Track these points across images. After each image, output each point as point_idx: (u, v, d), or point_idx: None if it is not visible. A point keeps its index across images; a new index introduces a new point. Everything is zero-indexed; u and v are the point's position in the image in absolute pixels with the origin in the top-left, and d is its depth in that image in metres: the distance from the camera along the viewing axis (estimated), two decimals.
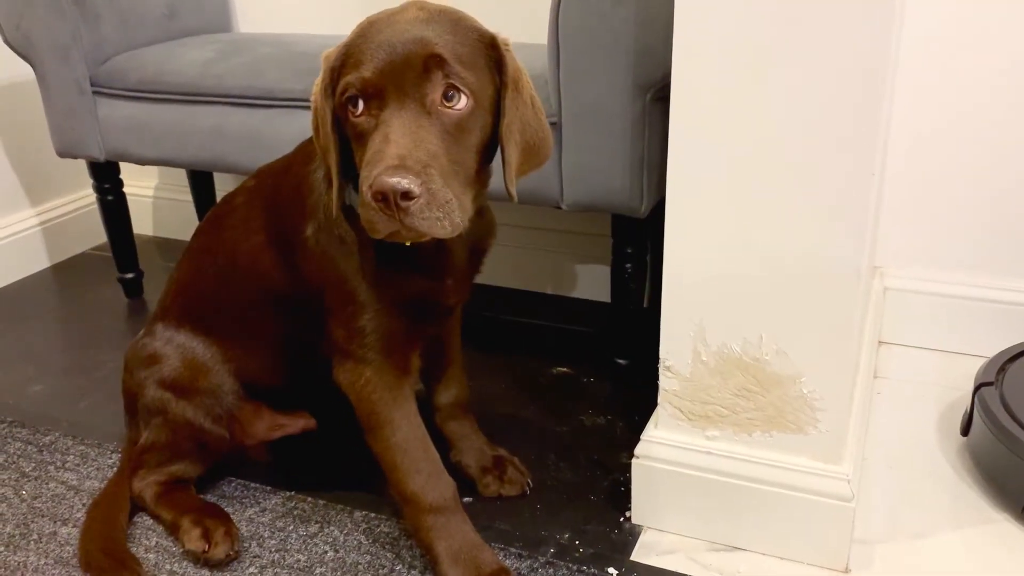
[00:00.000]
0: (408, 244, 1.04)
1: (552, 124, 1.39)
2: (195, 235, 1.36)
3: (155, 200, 2.49)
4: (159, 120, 1.78)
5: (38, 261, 2.34)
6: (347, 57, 0.98)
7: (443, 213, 0.93)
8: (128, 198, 2.07)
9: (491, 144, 1.03)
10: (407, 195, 0.90)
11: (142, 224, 2.47)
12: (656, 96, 1.37)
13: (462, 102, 0.96)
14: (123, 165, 2.03)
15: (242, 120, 1.70)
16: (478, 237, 1.18)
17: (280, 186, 1.21)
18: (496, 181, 1.08)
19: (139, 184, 2.47)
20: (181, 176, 2.38)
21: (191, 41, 1.92)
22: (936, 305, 1.67)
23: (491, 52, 1.00)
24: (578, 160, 1.43)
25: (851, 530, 1.16)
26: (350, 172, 1.05)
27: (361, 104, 0.96)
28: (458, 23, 0.99)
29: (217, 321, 1.29)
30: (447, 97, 0.95)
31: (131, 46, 1.89)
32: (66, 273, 2.33)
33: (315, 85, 1.05)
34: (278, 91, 1.65)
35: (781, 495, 1.17)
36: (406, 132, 0.92)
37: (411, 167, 0.90)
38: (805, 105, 1.01)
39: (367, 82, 0.95)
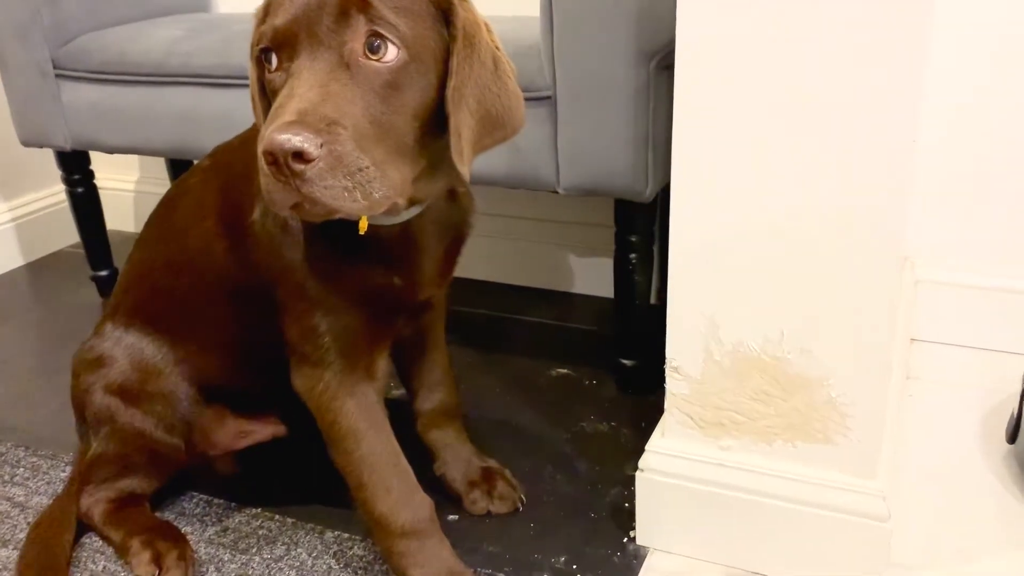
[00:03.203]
0: (361, 232, 0.91)
1: (546, 98, 1.31)
2: (147, 222, 1.23)
3: (136, 194, 2.38)
4: (125, 104, 1.67)
5: (10, 259, 2.23)
6: (268, 7, 0.85)
7: (353, 183, 0.78)
8: (106, 192, 1.99)
9: (440, 110, 0.88)
10: (300, 156, 0.75)
11: (122, 220, 2.36)
12: (661, 64, 1.24)
13: (391, 53, 0.81)
14: (99, 157, 1.93)
15: (213, 101, 1.58)
16: (451, 224, 1.05)
17: (233, 164, 1.09)
18: (477, 162, 0.94)
19: (118, 177, 2.37)
20: (161, 168, 2.27)
21: (162, 20, 1.81)
22: (974, 299, 1.54)
23: (441, 5, 0.86)
24: (575, 138, 1.30)
25: (887, 553, 1.04)
26: None
27: (275, 59, 0.83)
28: None
29: (169, 318, 1.17)
30: (372, 48, 0.81)
31: (98, 26, 1.77)
32: (40, 272, 2.23)
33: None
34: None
35: (806, 513, 1.06)
36: (313, 84, 0.78)
37: (310, 123, 0.76)
38: (835, 67, 0.88)
39: (277, 31, 0.82)
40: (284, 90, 0.80)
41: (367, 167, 0.79)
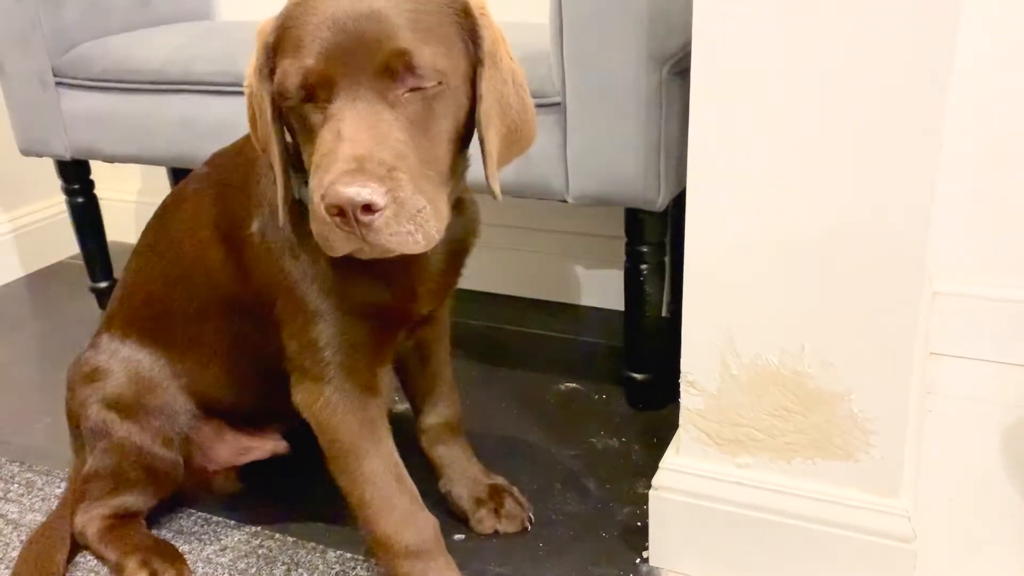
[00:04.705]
0: None
1: (555, 105, 1.28)
2: (144, 231, 1.20)
3: (137, 204, 2.35)
4: (125, 112, 1.64)
5: (9, 270, 2.21)
6: (284, 32, 0.82)
7: (415, 225, 0.79)
8: (107, 202, 1.96)
9: (466, 129, 0.88)
10: (370, 208, 0.75)
11: (122, 231, 2.33)
12: (674, 70, 1.21)
13: (431, 87, 0.81)
14: (100, 167, 1.90)
15: (214, 109, 1.55)
16: (457, 236, 1.02)
17: (228, 174, 1.06)
18: (477, 171, 0.93)
19: (118, 188, 2.34)
20: (163, 179, 2.24)
21: (164, 28, 1.79)
22: (992, 311, 1.51)
23: (463, 19, 0.85)
24: (585, 146, 1.27)
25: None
26: (298, 167, 0.90)
27: (304, 93, 0.81)
28: None
29: (166, 330, 1.14)
30: (414, 85, 0.81)
31: (99, 34, 1.75)
32: (39, 283, 2.20)
33: (249, 65, 0.89)
34: None
35: (827, 534, 1.02)
36: (363, 127, 0.77)
37: (372, 171, 0.75)
38: (859, 72, 0.85)
39: (310, 71, 0.79)
40: (326, 132, 0.79)
41: (424, 207, 0.78)
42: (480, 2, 0.86)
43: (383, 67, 0.79)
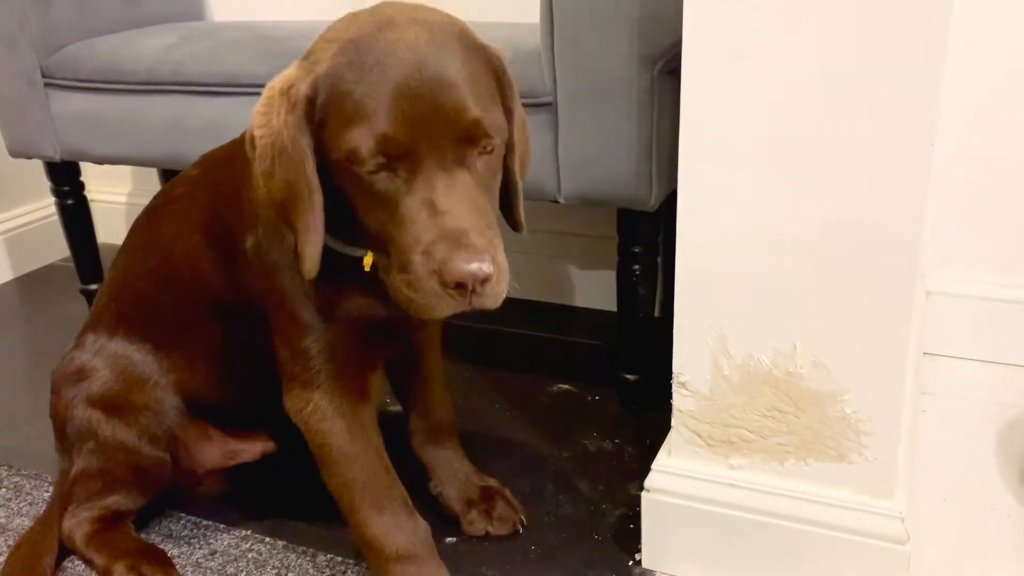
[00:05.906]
0: (366, 268, 0.90)
1: (546, 105, 1.27)
2: (131, 230, 1.19)
3: (127, 206, 2.34)
4: (114, 113, 1.63)
5: (0, 273, 2.20)
6: (341, 95, 0.81)
7: (504, 284, 0.84)
8: (97, 204, 1.94)
9: None
10: (486, 280, 0.81)
11: (113, 233, 2.31)
12: (666, 68, 1.20)
13: (495, 148, 0.86)
14: (91, 169, 1.88)
15: (203, 110, 1.54)
16: None
17: (221, 180, 1.05)
18: None
19: (109, 189, 2.34)
20: (154, 180, 2.23)
21: (154, 29, 1.77)
22: (987, 310, 1.51)
23: (500, 75, 0.88)
24: (576, 145, 1.26)
25: None
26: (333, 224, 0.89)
27: (383, 161, 0.81)
28: (467, 46, 0.85)
29: (155, 328, 1.13)
30: (484, 150, 0.84)
31: (88, 34, 1.74)
32: (30, 285, 2.20)
33: (267, 110, 0.86)
34: (242, 76, 1.49)
35: (820, 536, 1.01)
36: (455, 197, 0.81)
37: (481, 245, 0.80)
38: (851, 70, 0.85)
39: (391, 141, 0.80)
40: (415, 203, 0.81)
41: (506, 265, 0.82)
42: (504, 55, 0.89)
43: (464, 136, 0.82)
